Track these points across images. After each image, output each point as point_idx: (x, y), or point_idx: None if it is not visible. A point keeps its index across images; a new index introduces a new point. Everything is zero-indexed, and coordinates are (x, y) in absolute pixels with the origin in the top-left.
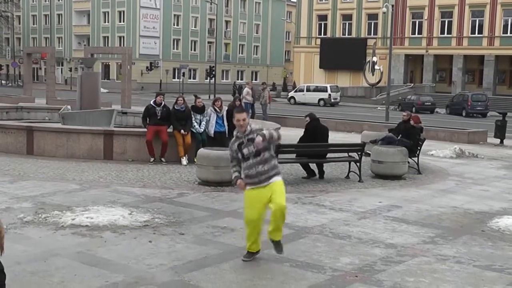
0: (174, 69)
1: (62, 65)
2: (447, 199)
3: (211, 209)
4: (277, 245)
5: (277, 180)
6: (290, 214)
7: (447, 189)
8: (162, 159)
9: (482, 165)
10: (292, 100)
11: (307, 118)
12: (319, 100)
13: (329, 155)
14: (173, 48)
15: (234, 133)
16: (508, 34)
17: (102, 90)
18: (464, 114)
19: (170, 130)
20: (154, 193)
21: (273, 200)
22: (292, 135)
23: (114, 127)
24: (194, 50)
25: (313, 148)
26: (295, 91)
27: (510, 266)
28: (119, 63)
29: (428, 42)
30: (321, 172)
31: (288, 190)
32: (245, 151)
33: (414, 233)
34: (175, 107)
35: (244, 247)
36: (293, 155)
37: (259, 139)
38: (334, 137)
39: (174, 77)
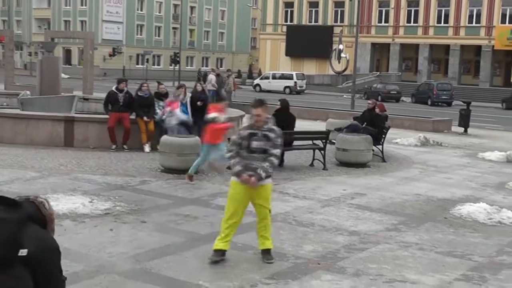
0: (137, 55)
1: (22, 50)
2: (411, 186)
3: (174, 196)
4: (265, 254)
5: (266, 184)
6: None
7: (411, 177)
8: (124, 146)
9: (446, 153)
10: (257, 88)
11: (279, 103)
12: (285, 87)
13: (294, 142)
14: (137, 34)
15: (249, 122)
16: (474, 24)
17: (63, 75)
18: (429, 103)
19: (132, 117)
20: (115, 180)
21: (257, 206)
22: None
23: (75, 113)
24: (159, 36)
25: None
26: (261, 79)
27: (471, 252)
28: (80, 48)
29: (395, 31)
30: (281, 160)
31: None
32: (254, 144)
33: (377, 220)
34: (139, 94)
35: (208, 235)
36: None
37: (254, 181)
38: (299, 125)
39: (137, 63)
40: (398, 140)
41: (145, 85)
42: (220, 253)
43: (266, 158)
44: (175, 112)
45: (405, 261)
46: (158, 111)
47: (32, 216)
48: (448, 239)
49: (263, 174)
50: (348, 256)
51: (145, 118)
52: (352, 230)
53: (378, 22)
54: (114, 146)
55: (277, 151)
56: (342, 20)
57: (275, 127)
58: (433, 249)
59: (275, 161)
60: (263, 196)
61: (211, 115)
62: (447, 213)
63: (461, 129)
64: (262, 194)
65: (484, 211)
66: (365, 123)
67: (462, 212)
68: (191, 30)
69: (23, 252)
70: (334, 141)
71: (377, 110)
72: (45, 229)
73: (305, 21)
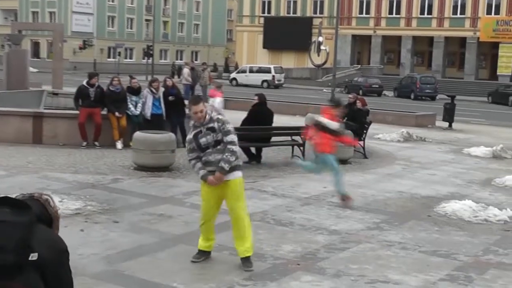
0: (109, 48)
1: None
2: (394, 183)
3: (148, 195)
4: (244, 261)
5: (236, 178)
6: None
7: (393, 173)
8: (96, 143)
9: (430, 149)
10: (234, 82)
11: (256, 98)
12: (263, 81)
13: (272, 139)
14: (108, 26)
15: (191, 122)
16: (458, 15)
17: (31, 69)
18: (412, 97)
19: (104, 112)
20: (86, 179)
21: (228, 205)
22: (234, 118)
23: (44, 108)
24: (131, 28)
25: (256, 131)
26: (237, 72)
27: (456, 251)
28: (49, 41)
29: (376, 23)
30: (259, 157)
31: None
32: (202, 140)
33: (359, 219)
34: (110, 88)
35: (183, 235)
36: None
37: (217, 176)
38: (278, 120)
39: (109, 57)
40: (380, 135)
41: (116, 79)
42: (203, 254)
43: (222, 147)
44: (215, 100)
45: (387, 261)
46: (130, 106)
47: (39, 216)
48: (432, 238)
49: (226, 166)
50: (328, 256)
51: (117, 114)
52: (332, 229)
53: (359, 13)
54: (84, 143)
55: (231, 137)
56: (321, 11)
57: (218, 116)
58: (416, 248)
59: (234, 148)
60: (233, 193)
61: (323, 120)
62: (431, 211)
63: (446, 124)
64: (231, 190)
65: (469, 208)
66: (346, 118)
67: (447, 210)
68: (165, 22)
69: (33, 256)
70: None
71: (358, 105)
72: (51, 228)
73: (283, 13)
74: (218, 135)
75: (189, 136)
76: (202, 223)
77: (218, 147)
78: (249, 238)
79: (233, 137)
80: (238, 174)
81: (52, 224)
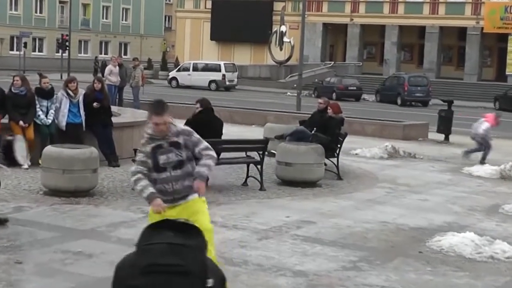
0: (12, 38)
1: None
2: (375, 211)
3: (61, 228)
4: None
5: (197, 197)
6: None
7: (374, 198)
8: None
9: (421, 167)
10: (173, 82)
11: (198, 105)
12: (210, 82)
13: (221, 155)
14: (10, 9)
15: (147, 131)
16: (456, 0)
17: None
18: (399, 102)
19: (4, 121)
20: None
21: (197, 222)
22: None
23: None
24: (40, 12)
25: None
26: (178, 70)
27: None
28: None
29: (353, 8)
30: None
31: None
32: (162, 158)
33: (331, 256)
34: (13, 90)
35: (107, 278)
36: None
37: (199, 185)
38: (229, 132)
39: (12, 49)
40: (358, 151)
41: (17, 78)
42: None
43: (186, 172)
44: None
45: None
46: (40, 113)
47: None
48: (424, 280)
49: (206, 170)
50: None
51: (21, 123)
52: (297, 269)
53: None
54: None
55: (204, 144)
56: None
57: (182, 127)
58: None
59: (211, 153)
60: (199, 211)
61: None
62: (422, 245)
63: (441, 136)
64: (194, 208)
65: (471, 243)
66: (315, 128)
67: (442, 245)
68: (85, 5)
69: (209, 282)
70: (274, 152)
71: (330, 112)
72: None
73: None
74: (182, 154)
75: (147, 148)
76: None
77: (179, 171)
78: (213, 251)
79: (206, 143)
80: (195, 195)
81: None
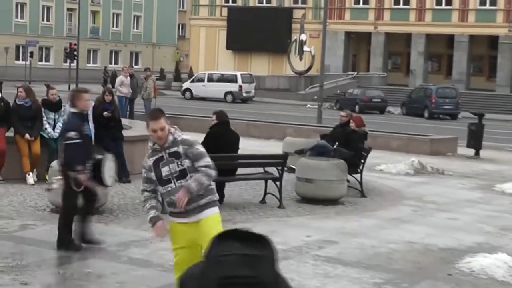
0: (17, 47)
1: None
2: (401, 231)
3: None
4: None
5: (210, 215)
6: None
7: (400, 217)
8: None
9: (449, 184)
10: (187, 94)
11: (214, 117)
12: (226, 93)
13: (238, 171)
14: (16, 17)
15: (149, 145)
16: (487, 7)
17: None
18: (426, 115)
19: (10, 134)
20: None
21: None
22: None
23: None
24: (48, 20)
25: (217, 160)
26: (192, 81)
27: None
28: None
29: (378, 16)
30: (221, 195)
31: None
32: (164, 170)
33: (354, 278)
34: (17, 102)
35: None
36: None
37: (181, 196)
38: (246, 146)
39: (17, 59)
40: (383, 166)
41: (21, 89)
42: None
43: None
44: None
45: None
46: (47, 126)
47: None
48: None
49: (194, 186)
50: None
51: (27, 136)
52: None
53: (355, 3)
54: None
55: (205, 160)
56: (304, 1)
57: (183, 136)
58: None
59: (211, 172)
60: (209, 233)
61: None
62: (452, 267)
63: (471, 152)
64: (204, 229)
65: (504, 264)
66: (337, 143)
67: (473, 266)
68: (94, 13)
69: None
70: (294, 167)
71: (352, 125)
72: None
73: (253, 2)
74: (183, 162)
75: (147, 162)
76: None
77: (183, 181)
78: None
79: (208, 160)
80: (214, 210)
81: None
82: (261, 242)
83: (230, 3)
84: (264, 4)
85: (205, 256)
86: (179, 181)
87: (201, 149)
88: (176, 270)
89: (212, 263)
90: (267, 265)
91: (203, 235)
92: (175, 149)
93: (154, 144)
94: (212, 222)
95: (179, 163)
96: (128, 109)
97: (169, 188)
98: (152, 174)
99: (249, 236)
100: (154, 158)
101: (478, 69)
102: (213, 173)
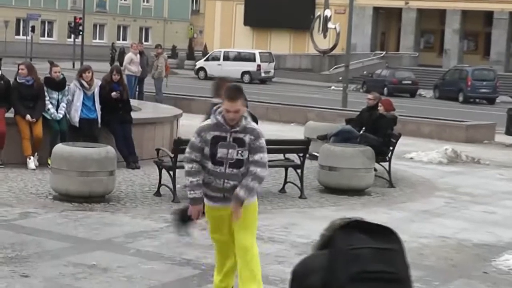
0: (18, 21)
1: None
2: (433, 225)
3: (73, 237)
4: None
5: (248, 203)
6: (195, 246)
7: (432, 210)
8: None
9: (486, 175)
10: (201, 73)
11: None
12: (243, 73)
13: None
14: None
15: (217, 118)
16: None
17: None
18: (461, 98)
19: (9, 115)
20: None
21: (235, 237)
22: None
23: None
24: None
25: None
26: (207, 60)
27: None
28: None
29: None
30: None
31: None
32: (221, 152)
33: None
34: (18, 80)
35: None
36: None
37: (235, 208)
38: (265, 131)
39: (18, 33)
40: (414, 154)
41: (23, 67)
42: None
43: (243, 172)
44: None
45: None
46: (49, 106)
47: None
48: None
49: (245, 194)
50: None
51: (28, 117)
52: None
53: None
54: None
55: (260, 156)
56: None
57: (254, 126)
58: None
59: (261, 172)
60: (241, 224)
61: None
62: (488, 265)
63: (510, 139)
64: (243, 217)
65: None
66: (364, 128)
67: (511, 264)
68: None
69: None
70: (316, 154)
71: (380, 109)
72: None
73: None
74: (244, 153)
75: (206, 134)
76: (225, 270)
77: (235, 170)
78: (260, 279)
79: (263, 157)
80: (253, 199)
81: None
82: (387, 234)
83: None
84: None
85: (329, 248)
86: (231, 169)
87: (264, 143)
88: (218, 260)
89: (343, 256)
90: (401, 260)
91: (239, 224)
92: (241, 136)
93: (221, 119)
94: (249, 211)
95: (240, 151)
96: (138, 89)
97: (217, 170)
98: (207, 150)
99: (374, 227)
100: (215, 134)
101: None
102: (264, 173)
